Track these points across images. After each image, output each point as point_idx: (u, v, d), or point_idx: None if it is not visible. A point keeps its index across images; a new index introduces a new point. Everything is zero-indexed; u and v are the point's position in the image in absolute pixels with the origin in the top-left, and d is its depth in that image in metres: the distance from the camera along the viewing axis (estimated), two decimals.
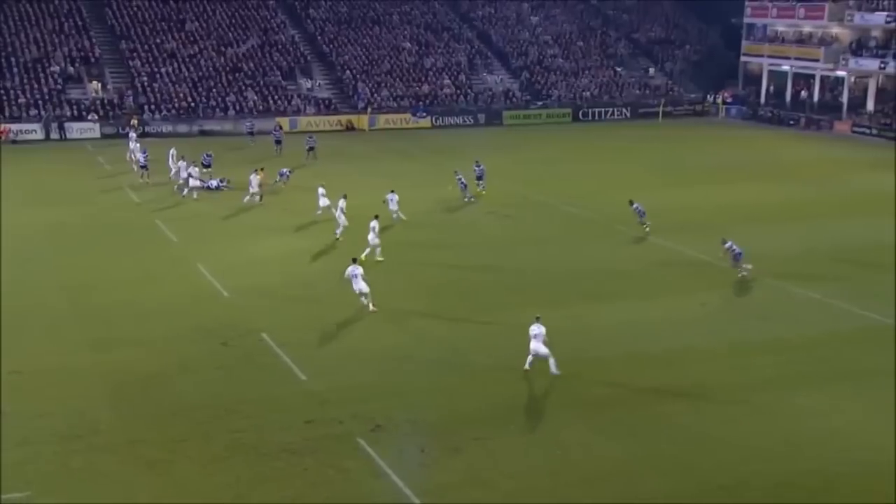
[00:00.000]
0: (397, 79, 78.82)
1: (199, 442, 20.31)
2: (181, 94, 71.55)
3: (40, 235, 37.73)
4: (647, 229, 38.55)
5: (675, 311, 29.35)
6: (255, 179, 43.67)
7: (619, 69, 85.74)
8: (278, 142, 58.76)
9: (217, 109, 71.34)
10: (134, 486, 18.48)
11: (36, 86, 68.56)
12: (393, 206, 39.61)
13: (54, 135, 64.53)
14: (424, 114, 74.59)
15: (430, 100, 76.96)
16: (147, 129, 65.55)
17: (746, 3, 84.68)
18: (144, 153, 49.85)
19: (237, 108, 71.80)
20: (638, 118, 78.34)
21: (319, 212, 40.34)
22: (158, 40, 76.52)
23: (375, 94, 76.13)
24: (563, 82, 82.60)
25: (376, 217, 34.75)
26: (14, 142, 62.34)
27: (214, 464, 19.43)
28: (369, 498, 18.36)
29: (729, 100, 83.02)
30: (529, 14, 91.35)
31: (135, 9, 79.25)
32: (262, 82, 75.01)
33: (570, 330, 26.73)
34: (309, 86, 76.39)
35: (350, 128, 72.23)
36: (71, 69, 70.91)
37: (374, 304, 28.78)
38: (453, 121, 75.34)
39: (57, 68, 70.41)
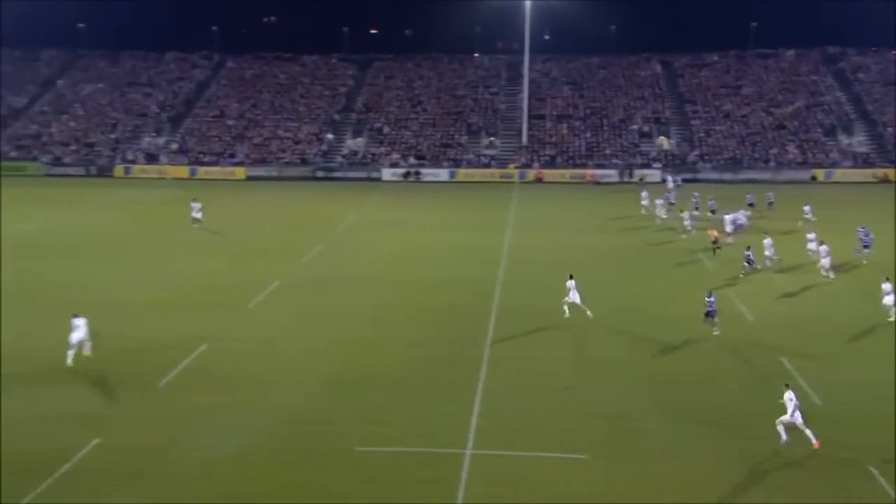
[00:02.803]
0: None
1: (713, 443, 19.67)
2: (730, 148, 70.36)
3: (603, 256, 39.78)
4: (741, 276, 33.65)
5: None
6: (768, 241, 37.05)
7: None
8: (770, 203, 51.41)
9: (759, 161, 68.79)
10: (662, 467, 18.52)
11: (618, 140, 72.63)
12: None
13: (626, 178, 67.49)
14: None
15: None
16: (697, 176, 65.96)
17: None
18: (646, 197, 50.33)
19: (777, 160, 68.44)
20: None
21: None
22: (717, 103, 76.29)
23: None
24: None
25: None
26: (597, 183, 66.53)
27: (728, 463, 18.67)
28: None
29: None
30: None
31: (702, 78, 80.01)
32: (802, 138, 70.56)
33: None
34: (848, 141, 69.94)
35: (885, 180, 64.49)
36: (645, 128, 73.84)
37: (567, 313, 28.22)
38: None
39: (635, 127, 73.88)
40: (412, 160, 71.59)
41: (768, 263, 36.15)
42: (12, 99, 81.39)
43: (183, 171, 70.82)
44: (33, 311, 30.19)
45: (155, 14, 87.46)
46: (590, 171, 68.22)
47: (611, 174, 68.00)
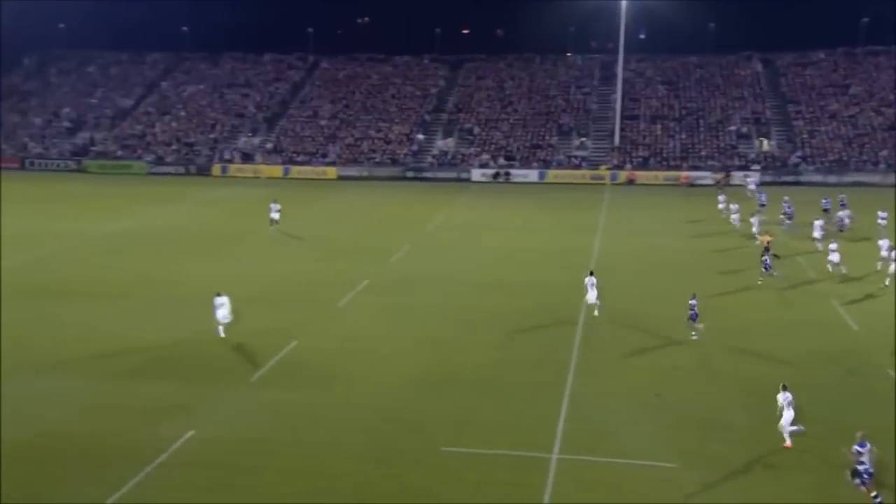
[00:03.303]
0: None
1: (814, 457, 18.91)
2: (835, 149, 67.56)
3: (693, 260, 38.75)
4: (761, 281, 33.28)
5: None
6: (833, 247, 35.72)
7: None
8: (842, 206, 48.41)
9: (868, 163, 65.78)
10: (759, 480, 17.94)
11: (714, 142, 70.74)
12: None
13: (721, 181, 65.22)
14: None
15: None
16: (799, 178, 63.91)
17: None
18: (724, 201, 49.52)
19: (888, 162, 65.32)
20: None
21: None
22: (822, 103, 73.42)
23: None
24: None
25: None
26: (691, 185, 64.86)
27: (830, 478, 17.94)
28: None
29: None
30: None
31: (806, 77, 77.19)
32: None
33: None
34: None
35: None
36: (744, 129, 71.71)
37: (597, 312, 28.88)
38: None
39: (733, 128, 71.82)
40: (502, 161, 71.50)
41: (842, 270, 34.94)
42: (119, 100, 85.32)
43: (277, 170, 72.74)
44: (130, 306, 31.53)
45: (253, 16, 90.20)
46: (684, 173, 66.66)
47: (706, 175, 66.19)
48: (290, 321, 29.14)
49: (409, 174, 71.24)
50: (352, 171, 71.96)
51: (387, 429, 20.64)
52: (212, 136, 78.62)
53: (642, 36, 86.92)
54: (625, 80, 75.30)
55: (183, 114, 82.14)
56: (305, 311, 30.61)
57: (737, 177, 64.36)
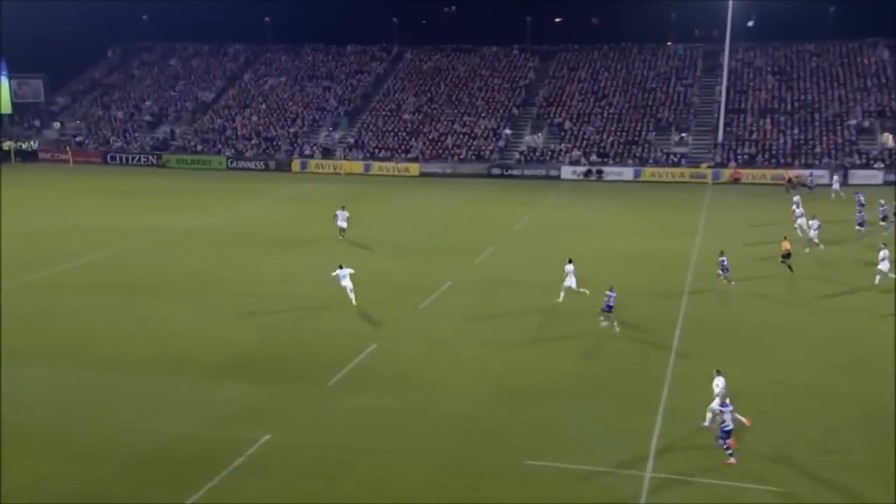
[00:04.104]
0: None
1: None
2: None
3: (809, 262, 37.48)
4: (732, 283, 33.12)
5: None
6: (883, 254, 34.46)
7: None
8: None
9: None
10: None
11: (832, 137, 68.29)
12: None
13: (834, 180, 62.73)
14: None
15: None
16: None
17: None
18: (797, 202, 46.34)
19: None
20: None
21: None
22: None
23: None
24: None
25: None
26: (803, 185, 62.03)
27: None
28: None
29: None
30: None
31: None
32: None
33: None
34: None
35: None
36: (866, 123, 69.00)
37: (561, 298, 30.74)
38: None
39: (854, 122, 69.20)
40: (594, 158, 70.68)
41: (878, 278, 33.46)
42: (200, 93, 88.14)
43: (357, 166, 73.79)
44: (206, 305, 32.41)
45: (336, 6, 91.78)
46: (795, 172, 64.45)
47: (821, 174, 63.80)
48: (369, 323, 29.53)
49: (496, 171, 71.17)
50: (435, 167, 72.37)
51: (467, 438, 20.68)
52: (292, 130, 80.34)
53: (751, 23, 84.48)
54: (731, 71, 73.41)
55: (263, 107, 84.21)
56: (386, 312, 30.95)
57: (858, 175, 61.83)
